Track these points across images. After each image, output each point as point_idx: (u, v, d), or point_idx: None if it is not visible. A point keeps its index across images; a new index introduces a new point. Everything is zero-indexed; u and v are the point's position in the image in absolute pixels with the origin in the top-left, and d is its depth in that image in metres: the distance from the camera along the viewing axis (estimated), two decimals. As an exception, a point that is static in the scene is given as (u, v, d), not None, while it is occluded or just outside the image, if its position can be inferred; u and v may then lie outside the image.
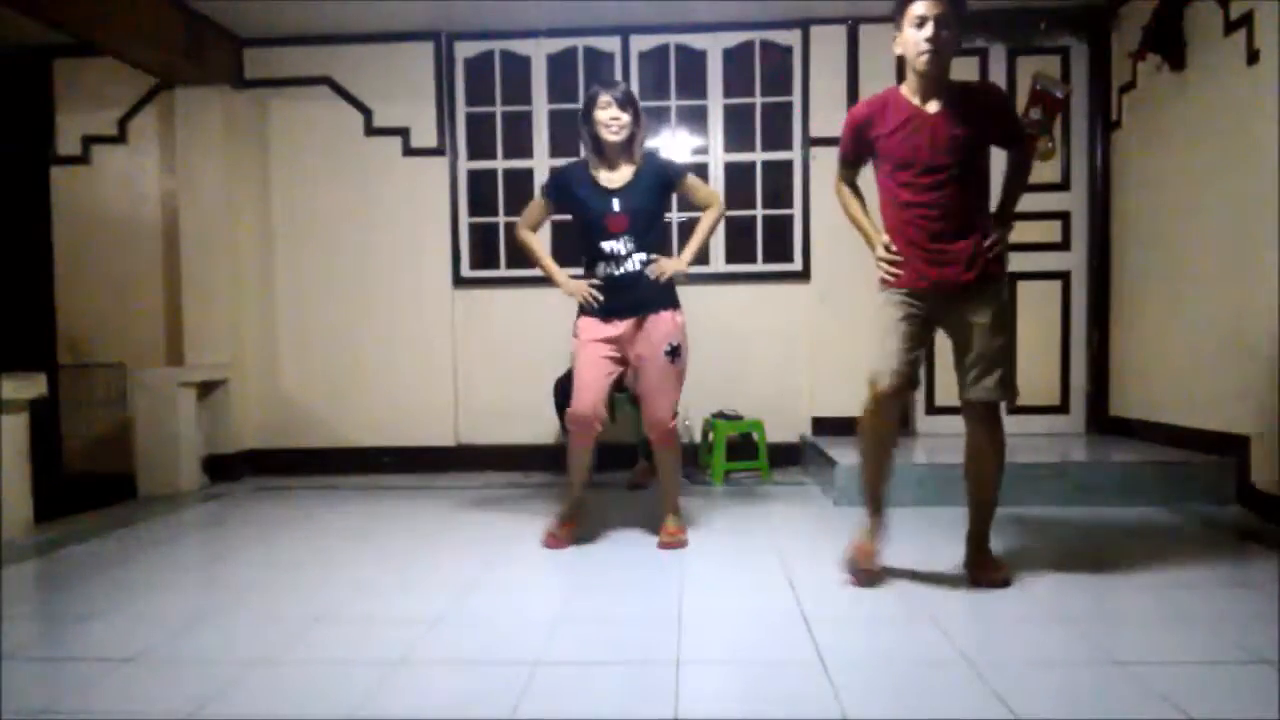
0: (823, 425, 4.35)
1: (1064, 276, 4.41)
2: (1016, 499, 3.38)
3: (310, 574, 2.66)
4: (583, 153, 2.96)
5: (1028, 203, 4.30)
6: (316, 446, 4.61)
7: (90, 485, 4.18)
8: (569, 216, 3.01)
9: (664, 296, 2.87)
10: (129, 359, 4.60)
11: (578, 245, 3.00)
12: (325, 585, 2.53)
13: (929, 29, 2.19)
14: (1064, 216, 4.40)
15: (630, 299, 2.83)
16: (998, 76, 4.40)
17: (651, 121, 4.59)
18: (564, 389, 4.07)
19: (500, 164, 4.60)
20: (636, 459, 4.13)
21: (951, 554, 2.52)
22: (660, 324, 2.84)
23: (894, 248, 2.35)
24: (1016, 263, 4.38)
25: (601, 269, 2.86)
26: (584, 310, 2.90)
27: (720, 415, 4.21)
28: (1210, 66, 3.46)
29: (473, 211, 4.62)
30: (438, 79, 4.54)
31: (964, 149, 2.27)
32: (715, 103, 4.51)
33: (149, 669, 1.89)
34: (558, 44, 4.52)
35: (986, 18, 4.28)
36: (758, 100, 4.50)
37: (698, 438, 4.39)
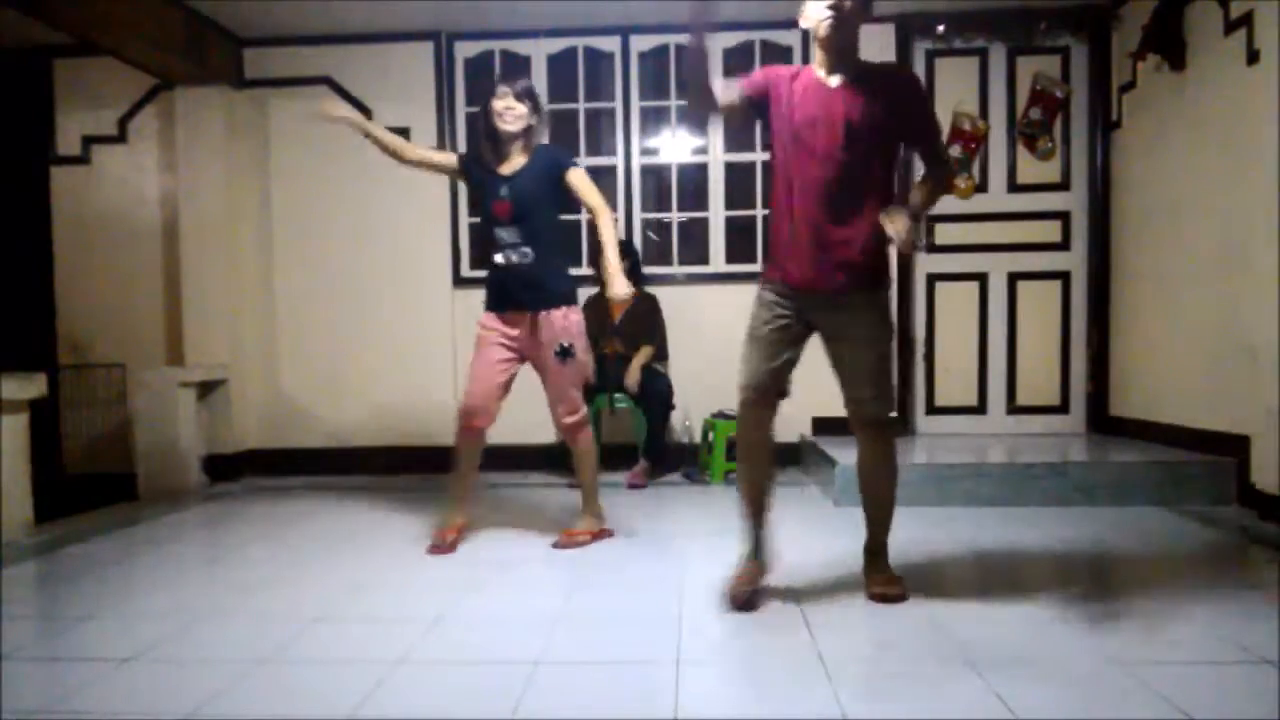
0: (823, 425, 4.34)
1: (1064, 276, 4.41)
2: (1017, 499, 3.39)
3: (310, 574, 2.66)
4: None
5: (1028, 203, 4.40)
6: (317, 446, 4.61)
7: (90, 485, 4.19)
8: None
9: (555, 294, 2.83)
10: (129, 359, 4.60)
11: (480, 230, 2.97)
12: (325, 585, 2.53)
13: None
14: (1064, 216, 4.40)
15: (521, 294, 2.84)
16: (998, 76, 4.40)
17: (652, 121, 4.61)
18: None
19: (500, 164, 4.60)
20: (637, 459, 4.13)
21: (951, 554, 2.52)
22: (550, 324, 2.82)
23: None
24: (1017, 263, 4.41)
25: (496, 256, 2.87)
26: (486, 304, 2.93)
27: (720, 415, 4.21)
28: (1210, 66, 3.46)
29: (473, 211, 4.61)
30: (438, 79, 4.54)
31: (861, 134, 2.07)
32: (715, 103, 4.50)
33: (149, 669, 1.89)
34: (558, 44, 4.52)
35: (986, 18, 4.29)
36: (758, 100, 4.49)
37: (698, 438, 4.38)
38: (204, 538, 3.36)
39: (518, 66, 4.52)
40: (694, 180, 4.57)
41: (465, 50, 4.56)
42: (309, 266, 4.62)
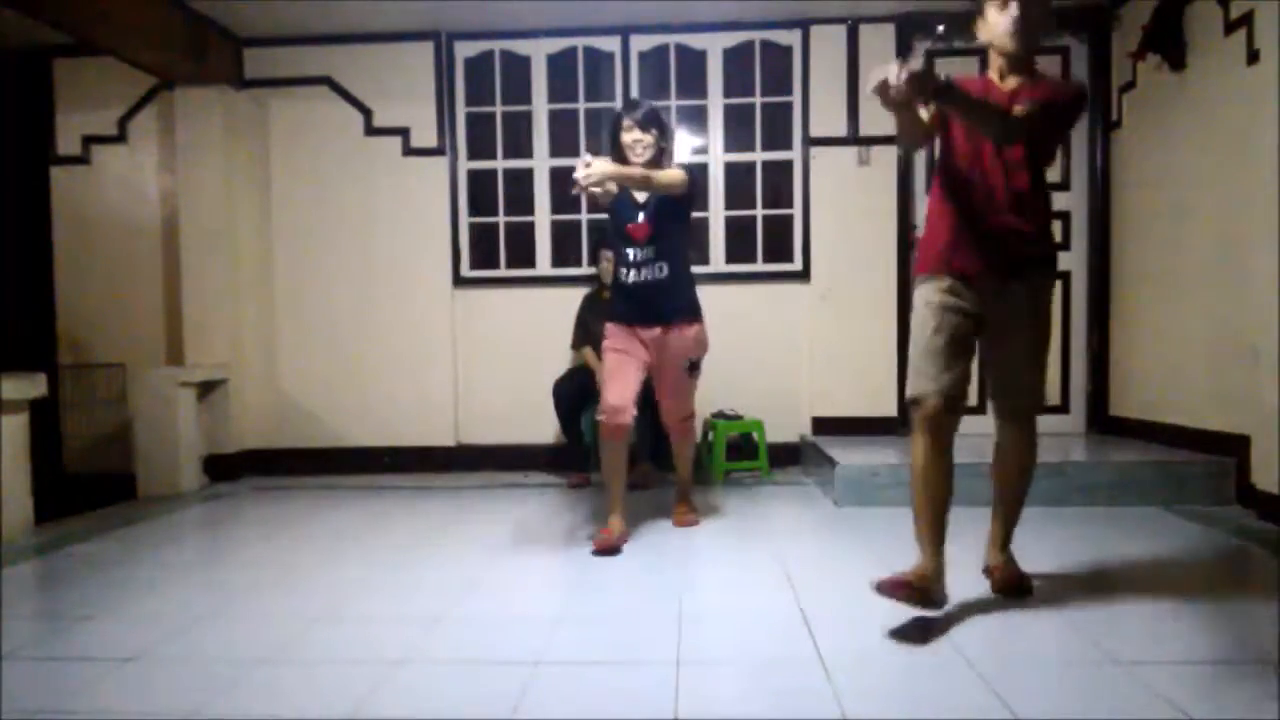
0: (823, 425, 4.35)
1: (1064, 276, 4.41)
2: (1016, 499, 3.39)
3: (310, 574, 2.66)
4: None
5: (1028, 203, 4.38)
6: (316, 446, 4.61)
7: (90, 485, 4.18)
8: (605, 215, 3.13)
9: (686, 308, 2.98)
10: (129, 359, 4.60)
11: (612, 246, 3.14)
12: (325, 585, 2.53)
13: (1014, 8, 2.10)
14: (1064, 216, 4.40)
15: (650, 307, 2.93)
16: (998, 76, 4.40)
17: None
18: (563, 391, 4.08)
19: (500, 164, 4.61)
20: (637, 460, 4.13)
21: (950, 555, 2.51)
22: (682, 338, 2.96)
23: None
24: (1016, 263, 4.40)
25: (622, 274, 2.96)
26: (610, 317, 3.02)
27: (720, 415, 4.21)
28: (1210, 66, 3.46)
29: (473, 211, 4.63)
30: (438, 79, 4.54)
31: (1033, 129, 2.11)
32: (715, 103, 4.51)
33: (149, 669, 1.89)
34: (558, 44, 4.52)
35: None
36: (758, 100, 4.50)
37: (698, 438, 4.38)
38: (204, 538, 3.36)
39: (518, 66, 4.53)
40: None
41: (465, 50, 4.56)
42: (309, 266, 4.62)
